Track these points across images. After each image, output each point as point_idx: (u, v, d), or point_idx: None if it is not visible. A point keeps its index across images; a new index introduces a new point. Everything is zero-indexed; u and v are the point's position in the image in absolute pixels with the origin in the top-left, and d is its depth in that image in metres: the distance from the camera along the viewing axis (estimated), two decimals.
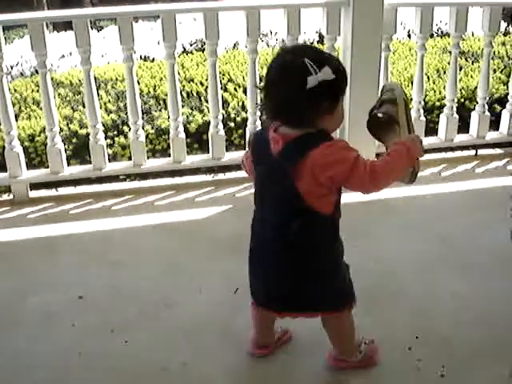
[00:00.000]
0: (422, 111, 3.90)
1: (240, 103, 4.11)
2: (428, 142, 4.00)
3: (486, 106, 4.03)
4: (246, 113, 3.79)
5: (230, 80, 4.44)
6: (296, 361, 2.25)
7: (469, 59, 5.09)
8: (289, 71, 1.69)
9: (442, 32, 6.48)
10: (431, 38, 5.93)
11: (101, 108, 4.03)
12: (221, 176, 3.80)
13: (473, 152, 4.14)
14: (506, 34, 6.17)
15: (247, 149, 2.03)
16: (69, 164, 3.67)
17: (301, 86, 1.64)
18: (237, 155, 3.78)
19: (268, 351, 2.24)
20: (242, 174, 3.78)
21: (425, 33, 3.71)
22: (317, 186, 1.76)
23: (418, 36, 3.73)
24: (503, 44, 5.60)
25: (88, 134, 3.62)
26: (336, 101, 1.74)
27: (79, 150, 3.83)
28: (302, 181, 1.74)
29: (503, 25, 6.68)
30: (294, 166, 1.73)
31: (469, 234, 3.11)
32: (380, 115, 1.97)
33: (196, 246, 3.03)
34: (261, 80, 4.36)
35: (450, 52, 3.89)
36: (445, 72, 4.57)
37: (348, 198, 3.44)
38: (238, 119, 4.00)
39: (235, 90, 4.28)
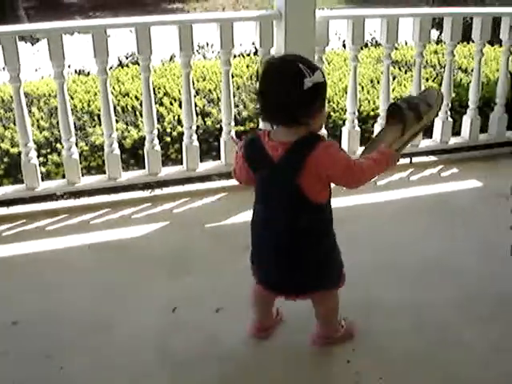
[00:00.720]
0: (356, 122, 3.95)
1: (176, 117, 4.06)
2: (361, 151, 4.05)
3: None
4: (182, 127, 3.75)
5: (165, 94, 4.38)
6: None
7: (402, 68, 5.15)
8: (287, 75, 1.92)
9: (376, 42, 6.58)
10: (366, 48, 6.02)
11: (33, 125, 3.94)
12: (158, 192, 3.75)
13: (407, 160, 4.21)
14: (438, 42, 6.29)
15: (236, 159, 2.17)
16: (1, 184, 3.57)
17: (298, 87, 1.87)
18: (174, 170, 3.75)
19: (268, 333, 2.42)
20: (180, 188, 3.80)
21: (357, 44, 3.75)
22: (317, 182, 2.02)
23: (351, 47, 3.78)
24: (435, 52, 5.69)
25: (20, 153, 3.53)
26: (324, 101, 2.01)
27: (11, 170, 3.72)
28: (305, 180, 1.99)
29: (436, 33, 6.84)
30: (298, 168, 1.97)
31: (405, 242, 3.16)
32: (402, 109, 2.21)
33: (133, 264, 2.98)
34: (210, 92, 4.37)
35: None
36: (379, 82, 4.61)
37: None
38: (174, 134, 3.95)
39: (171, 103, 4.23)
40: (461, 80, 4.88)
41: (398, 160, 2.21)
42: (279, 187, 2.05)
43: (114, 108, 4.08)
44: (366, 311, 2.59)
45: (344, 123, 4.04)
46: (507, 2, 5.81)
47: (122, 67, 5.62)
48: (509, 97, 4.39)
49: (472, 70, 4.49)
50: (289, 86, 1.90)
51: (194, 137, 3.67)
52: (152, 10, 24.04)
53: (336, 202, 3.45)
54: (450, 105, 4.17)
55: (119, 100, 4.31)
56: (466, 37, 4.35)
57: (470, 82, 4.31)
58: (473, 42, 4.38)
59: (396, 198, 3.68)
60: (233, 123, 3.71)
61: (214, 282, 2.80)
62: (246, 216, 3.37)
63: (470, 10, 4.16)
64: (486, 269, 2.92)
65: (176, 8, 25.53)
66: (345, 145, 3.98)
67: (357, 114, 3.95)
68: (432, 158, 4.29)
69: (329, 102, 4.32)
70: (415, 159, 4.23)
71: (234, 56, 5.85)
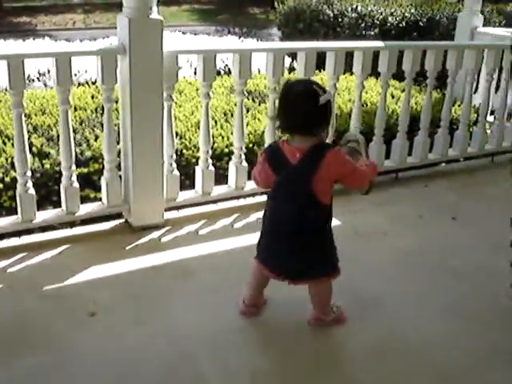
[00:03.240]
0: (210, 161, 3.72)
1: (9, 160, 3.57)
2: (218, 192, 3.83)
3: None
4: (16, 172, 3.31)
5: None
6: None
7: (256, 99, 5.00)
8: (305, 94, 2.35)
9: (229, 70, 6.39)
10: (218, 76, 5.84)
11: None
12: None
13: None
14: (291, 70, 6.23)
15: (258, 167, 2.58)
16: None
17: (315, 103, 2.30)
18: (7, 221, 3.32)
19: (256, 310, 2.78)
20: (16, 242, 3.36)
21: (208, 80, 3.54)
22: (326, 183, 2.42)
23: (202, 84, 3.56)
24: None
25: None
26: (331, 116, 2.45)
27: None
28: (318, 180, 2.38)
29: (288, 60, 6.79)
30: (313, 169, 2.36)
31: None
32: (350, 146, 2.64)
33: None
34: (50, 128, 3.95)
35: None
36: (232, 115, 4.42)
37: (139, 262, 3.17)
38: (7, 179, 3.49)
39: (4, 143, 3.75)
40: None
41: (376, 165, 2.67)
42: (295, 185, 2.43)
43: None
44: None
45: (197, 162, 3.79)
46: None
47: None
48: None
49: None
50: (307, 103, 2.33)
51: (30, 183, 3.26)
52: None
53: (193, 251, 3.26)
54: None
55: None
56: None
57: None
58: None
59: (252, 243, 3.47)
60: (74, 167, 3.35)
61: (59, 361, 2.43)
62: (92, 273, 3.07)
63: (323, 45, 4.07)
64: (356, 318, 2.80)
65: (23, 22, 24.36)
66: (199, 185, 3.75)
67: (210, 152, 3.74)
68: None
69: (181, 138, 4.06)
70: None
71: (79, 84, 5.46)
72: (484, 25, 6.39)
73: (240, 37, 12.47)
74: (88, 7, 28.87)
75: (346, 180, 2.48)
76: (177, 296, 2.92)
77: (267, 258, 2.63)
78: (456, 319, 2.84)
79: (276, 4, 8.57)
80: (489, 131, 5.18)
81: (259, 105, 4.84)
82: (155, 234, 3.48)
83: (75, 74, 5.69)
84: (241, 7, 29.90)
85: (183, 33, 8.56)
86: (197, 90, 4.94)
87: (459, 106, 5.41)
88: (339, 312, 2.74)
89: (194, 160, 3.92)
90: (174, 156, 3.61)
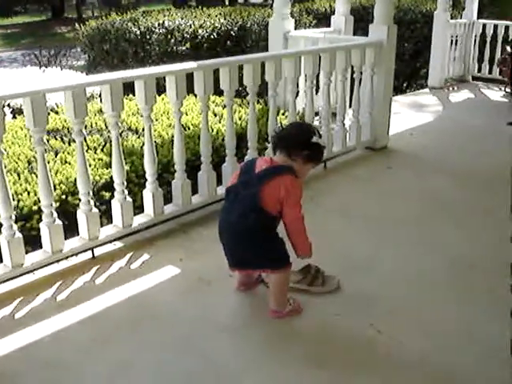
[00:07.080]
0: (15, 227, 3.15)
1: None
2: (31, 260, 3.26)
3: (92, 202, 3.45)
4: None
5: None
6: None
7: (65, 138, 4.41)
8: (304, 130, 2.89)
9: None
10: (14, 118, 5.17)
11: None
12: None
13: (89, 254, 3.53)
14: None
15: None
16: None
17: (309, 138, 2.80)
18: None
19: (247, 288, 3.15)
20: None
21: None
22: (272, 197, 2.72)
23: None
24: (100, 112, 5.03)
25: None
26: (316, 162, 2.93)
27: None
28: (266, 190, 2.71)
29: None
30: (267, 179, 2.73)
31: None
32: None
33: None
34: None
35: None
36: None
37: None
38: None
39: None
40: (133, 145, 4.31)
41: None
42: (248, 189, 2.75)
43: None
44: None
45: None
46: None
47: None
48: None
49: (143, 130, 3.97)
50: (302, 135, 2.83)
51: None
52: None
53: None
54: (125, 183, 3.59)
55: None
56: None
57: (144, 145, 3.78)
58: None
59: (84, 317, 2.95)
60: None
61: None
62: None
63: (130, 74, 3.59)
64: None
65: None
66: (6, 258, 3.15)
67: (14, 217, 3.15)
68: (117, 244, 3.67)
69: None
70: (99, 250, 3.57)
71: None
72: (295, 27, 6.27)
73: (46, 63, 11.63)
74: None
75: (283, 206, 2.73)
76: None
77: (226, 254, 2.92)
78: None
79: (77, 25, 7.92)
80: None
81: (69, 144, 4.26)
82: None
83: None
84: (46, 28, 28.54)
85: None
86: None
87: (284, 114, 5.21)
88: (296, 304, 2.96)
89: None
90: None
